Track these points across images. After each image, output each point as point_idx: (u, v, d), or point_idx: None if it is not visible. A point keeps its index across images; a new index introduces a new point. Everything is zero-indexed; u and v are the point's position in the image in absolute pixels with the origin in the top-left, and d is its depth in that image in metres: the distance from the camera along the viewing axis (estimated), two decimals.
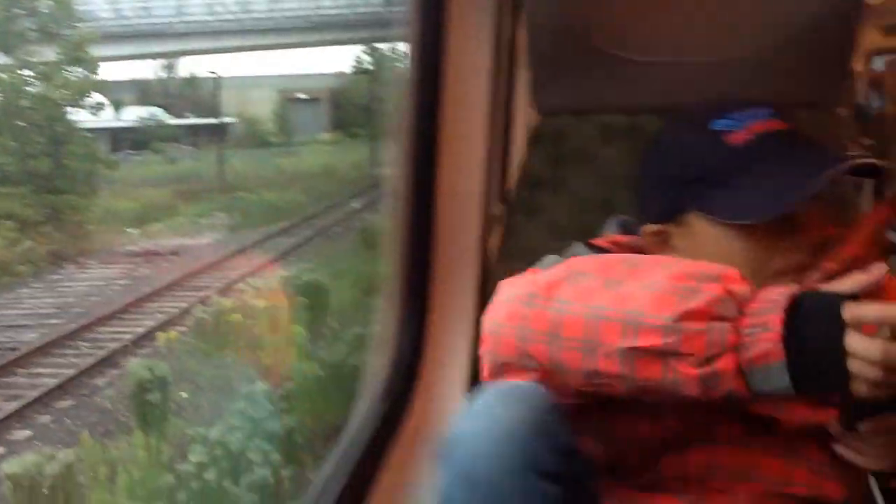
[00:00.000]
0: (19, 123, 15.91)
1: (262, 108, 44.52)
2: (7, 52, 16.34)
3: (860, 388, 0.93)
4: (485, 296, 1.65)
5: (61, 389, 8.08)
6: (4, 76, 15.84)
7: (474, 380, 1.65)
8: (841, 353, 0.92)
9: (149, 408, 6.63)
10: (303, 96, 57.46)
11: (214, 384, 7.80)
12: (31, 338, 10.16)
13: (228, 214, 21.05)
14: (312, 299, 9.92)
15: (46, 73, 16.48)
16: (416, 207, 1.68)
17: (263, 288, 10.74)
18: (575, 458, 1.04)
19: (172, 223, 20.06)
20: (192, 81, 44.20)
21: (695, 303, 0.97)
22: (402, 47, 1.71)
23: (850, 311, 0.93)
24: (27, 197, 15.54)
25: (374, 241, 12.60)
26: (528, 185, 1.76)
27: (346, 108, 57.38)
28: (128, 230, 18.25)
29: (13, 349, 9.52)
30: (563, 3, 1.66)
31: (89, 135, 17.57)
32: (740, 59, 1.67)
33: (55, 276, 14.35)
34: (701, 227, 1.23)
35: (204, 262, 14.62)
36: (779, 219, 1.15)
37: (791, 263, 1.20)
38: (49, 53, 16.73)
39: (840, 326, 0.93)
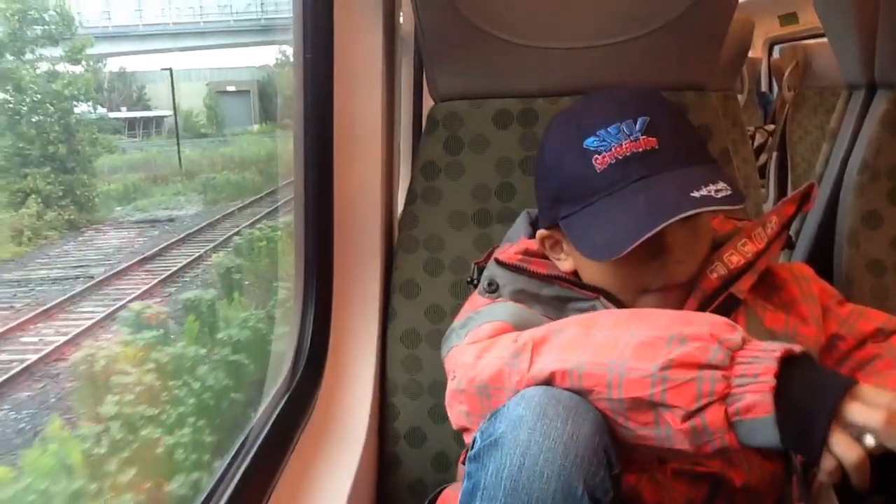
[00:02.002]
0: (38, 116, 19.03)
1: (194, 100, 45.98)
2: (22, 54, 19.40)
3: (829, 468, 0.92)
4: (388, 285, 1.80)
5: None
6: (25, 75, 18.92)
7: (381, 372, 1.74)
8: (825, 433, 0.91)
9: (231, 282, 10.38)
10: (231, 89, 59.77)
11: (258, 280, 11.40)
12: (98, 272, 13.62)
13: (201, 193, 24.47)
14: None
15: (54, 73, 19.60)
16: (316, 199, 1.72)
17: (267, 228, 14.45)
18: (618, 484, 1.02)
19: (155, 200, 23.40)
20: (122, 76, 45.98)
21: (683, 351, 0.98)
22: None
23: (841, 406, 0.91)
24: (48, 176, 18.68)
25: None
26: (426, 172, 1.80)
27: (274, 100, 60.04)
28: (118, 207, 21.61)
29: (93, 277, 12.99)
30: None
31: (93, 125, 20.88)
32: (625, 42, 1.70)
33: (81, 238, 17.73)
34: None
35: (205, 222, 18.20)
36: (640, 244, 1.14)
37: (669, 280, 1.26)
38: (55, 55, 19.86)
39: (831, 406, 0.91)
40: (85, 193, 19.74)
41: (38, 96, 19.27)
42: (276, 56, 55.43)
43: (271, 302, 9.15)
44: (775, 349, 0.98)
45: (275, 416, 1.53)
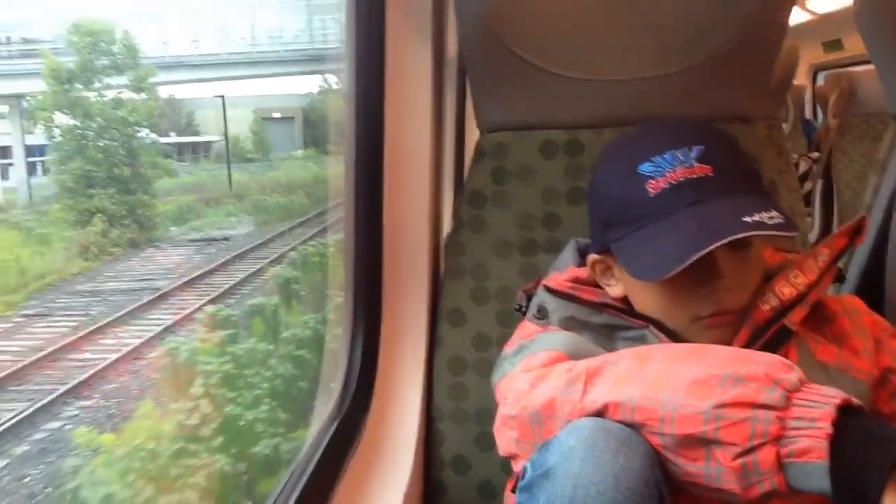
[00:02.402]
0: (104, 141, 20.39)
1: (241, 126, 47.28)
2: (90, 84, 20.81)
3: None
4: (436, 313, 1.78)
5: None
6: (93, 103, 20.31)
7: (427, 397, 1.74)
8: (880, 488, 0.89)
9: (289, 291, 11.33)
10: (277, 115, 61.58)
11: (312, 290, 12.32)
12: (162, 285, 14.71)
13: (252, 214, 25.71)
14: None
15: (119, 100, 20.98)
16: (365, 227, 1.72)
17: (319, 246, 15.44)
18: None
19: (208, 221, 24.69)
20: (171, 103, 47.53)
21: (738, 390, 0.96)
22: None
23: None
24: (113, 196, 19.97)
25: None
26: (472, 202, 1.78)
27: (317, 126, 61.70)
28: (173, 227, 22.91)
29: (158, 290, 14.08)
30: (498, 21, 1.67)
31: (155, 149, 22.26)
32: (672, 74, 1.69)
33: (143, 255, 18.95)
34: None
35: (255, 242, 19.31)
36: (692, 266, 1.14)
37: (719, 307, 1.22)
38: (120, 84, 21.27)
39: (888, 462, 0.90)
40: (146, 213, 21.03)
41: (105, 122, 20.59)
42: (319, 84, 56.95)
43: (326, 308, 10.05)
44: (834, 395, 0.96)
45: (325, 441, 1.55)
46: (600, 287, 1.36)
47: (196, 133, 54.07)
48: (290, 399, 6.92)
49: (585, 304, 1.33)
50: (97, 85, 20.86)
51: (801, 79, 8.03)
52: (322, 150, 56.77)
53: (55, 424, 7.81)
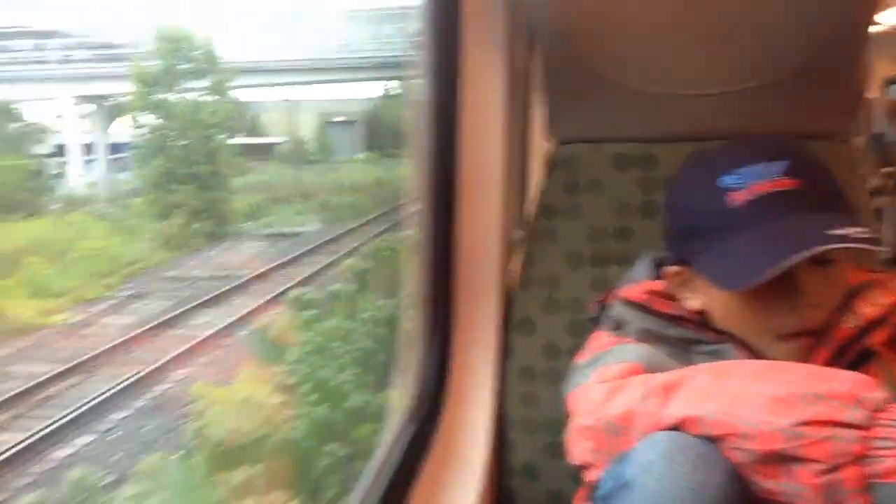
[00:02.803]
0: (185, 140, 21.78)
1: (305, 129, 48.60)
2: (173, 87, 22.23)
3: None
4: (507, 322, 1.78)
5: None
6: (176, 105, 21.73)
7: (498, 405, 1.74)
8: None
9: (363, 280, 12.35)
10: (340, 119, 63.21)
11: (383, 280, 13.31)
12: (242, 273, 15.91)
13: (319, 212, 26.98)
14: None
15: (199, 103, 22.35)
16: (436, 235, 1.72)
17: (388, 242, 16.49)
18: None
19: (278, 218, 26.05)
20: (239, 105, 49.05)
21: (819, 408, 0.95)
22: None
23: None
24: (193, 193, 21.33)
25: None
26: (545, 213, 1.79)
27: (378, 130, 63.18)
28: (245, 223, 24.28)
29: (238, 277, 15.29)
30: (575, 35, 1.67)
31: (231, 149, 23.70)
32: (751, 90, 1.66)
33: (222, 246, 20.30)
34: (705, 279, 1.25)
35: (324, 237, 20.49)
36: (774, 281, 1.12)
37: (800, 325, 1.19)
38: (200, 87, 22.67)
39: None
40: (223, 208, 22.39)
41: (186, 123, 21.97)
42: (380, 89, 58.34)
43: (398, 294, 10.99)
44: None
45: (399, 448, 1.57)
46: (677, 300, 1.32)
47: (261, 135, 56.08)
48: (373, 367, 7.90)
49: (662, 316, 1.31)
50: (179, 88, 22.30)
51: (873, 92, 7.67)
52: (383, 153, 58.36)
53: (164, 386, 8.98)
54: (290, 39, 34.51)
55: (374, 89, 53.60)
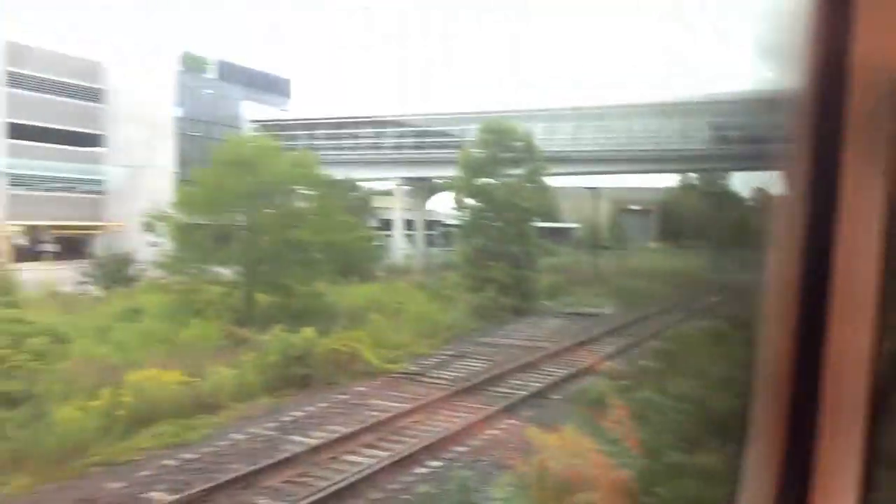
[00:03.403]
0: (501, 222, 23.92)
1: (600, 216, 49.70)
2: (494, 175, 24.58)
3: None
4: (871, 452, 1.59)
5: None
6: (496, 189, 24.04)
7: None
8: None
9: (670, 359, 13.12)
10: (634, 207, 64.05)
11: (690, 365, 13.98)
12: (547, 346, 17.27)
13: (615, 296, 27.98)
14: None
15: (515, 188, 24.46)
16: (803, 354, 1.58)
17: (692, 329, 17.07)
18: None
19: (576, 299, 27.46)
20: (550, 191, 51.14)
21: None
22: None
23: None
24: (504, 270, 23.31)
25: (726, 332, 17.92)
26: None
27: (673, 220, 63.02)
28: (545, 301, 25.89)
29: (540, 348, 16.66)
30: None
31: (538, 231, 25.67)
32: None
33: (526, 321, 22.01)
34: None
35: (622, 321, 21.41)
36: None
37: None
38: (518, 174, 24.84)
39: None
40: (529, 286, 24.18)
41: (503, 206, 24.17)
42: (677, 180, 58.11)
43: (708, 377, 11.62)
44: None
45: None
46: None
47: (559, 219, 58.51)
48: (683, 434, 8.66)
49: None
50: (500, 174, 24.68)
51: None
52: (675, 243, 58.06)
53: (495, 431, 10.47)
54: (595, 132, 36.48)
55: (670, 179, 53.90)
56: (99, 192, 42.70)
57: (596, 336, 18.54)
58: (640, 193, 62.21)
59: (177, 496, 7.77)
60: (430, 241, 41.70)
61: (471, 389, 12.91)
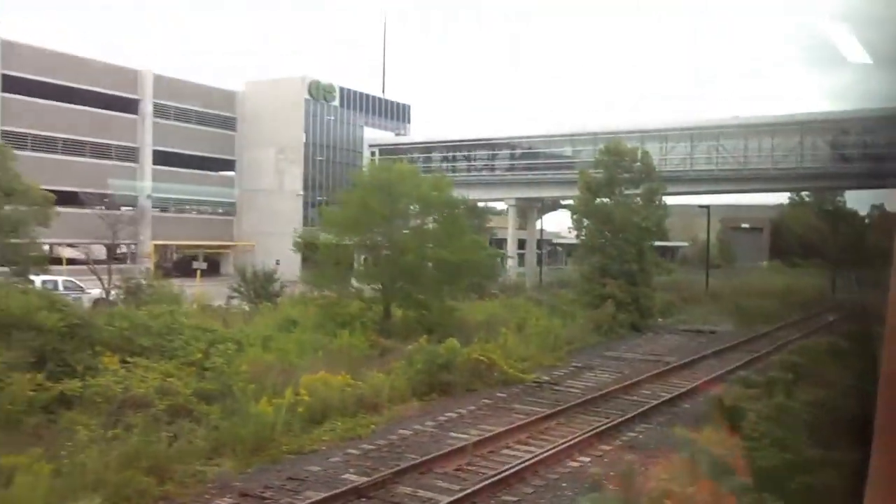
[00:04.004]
0: (618, 241, 24.74)
1: (708, 234, 49.42)
2: (612, 194, 25.44)
3: None
4: None
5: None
6: (616, 209, 24.90)
7: None
8: None
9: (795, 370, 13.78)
10: (745, 225, 63.29)
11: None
12: (665, 359, 18.02)
13: (730, 315, 28.34)
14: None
15: (634, 208, 25.25)
16: None
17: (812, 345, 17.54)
18: None
19: (688, 316, 28.01)
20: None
21: None
22: None
23: None
24: (622, 287, 24.11)
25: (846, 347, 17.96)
26: None
27: (783, 238, 61.95)
28: (659, 318, 26.54)
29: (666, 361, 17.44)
30: None
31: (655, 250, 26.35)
32: None
33: (645, 336, 22.79)
34: None
35: (740, 338, 21.90)
36: None
37: None
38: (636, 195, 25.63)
39: None
40: (645, 303, 24.89)
41: (621, 226, 24.99)
42: (788, 197, 56.71)
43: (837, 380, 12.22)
44: None
45: None
46: None
47: (667, 238, 58.45)
48: (814, 434, 9.49)
49: None
50: (618, 194, 25.55)
51: None
52: (786, 261, 57.05)
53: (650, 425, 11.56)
54: (709, 151, 36.89)
55: (779, 197, 53.19)
56: (230, 213, 45.77)
57: (716, 351, 19.21)
58: (749, 211, 61.65)
59: (370, 478, 9.08)
60: (539, 260, 42.79)
61: (605, 396, 13.90)
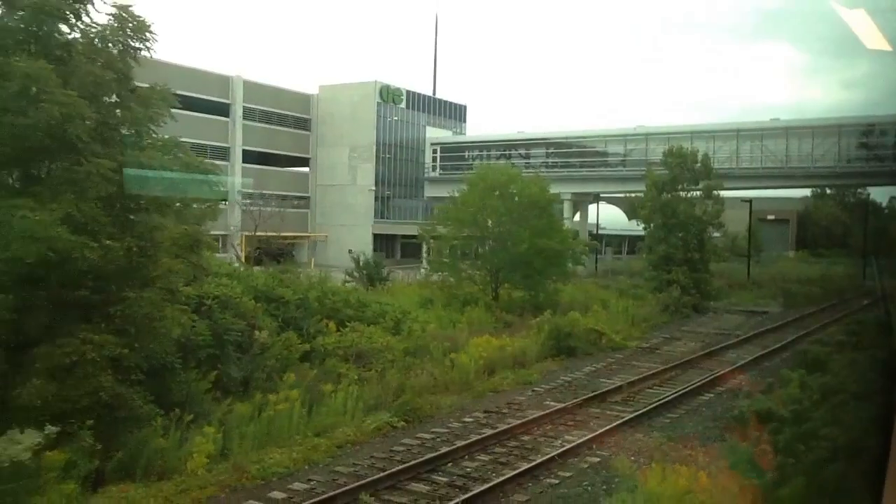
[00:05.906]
0: (681, 232, 28.25)
1: (738, 226, 52.54)
2: (675, 191, 28.93)
3: None
4: None
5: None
6: (679, 204, 28.40)
7: None
8: None
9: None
10: (771, 217, 66.40)
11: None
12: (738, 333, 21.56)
13: (774, 298, 31.89)
14: None
15: (694, 203, 28.75)
16: None
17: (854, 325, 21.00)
18: None
19: (739, 299, 31.61)
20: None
21: None
22: None
23: None
24: (685, 273, 27.66)
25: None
26: None
27: (810, 229, 65.13)
28: (713, 302, 30.10)
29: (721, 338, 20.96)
30: None
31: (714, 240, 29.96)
32: None
33: (708, 316, 26.38)
34: None
35: (791, 316, 25.42)
36: None
37: None
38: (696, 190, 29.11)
39: None
40: (705, 287, 28.47)
41: (685, 219, 28.45)
42: (811, 191, 59.73)
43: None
44: None
45: None
46: None
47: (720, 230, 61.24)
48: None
49: None
50: (681, 190, 29.05)
51: None
52: (812, 251, 60.41)
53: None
54: (753, 150, 40.37)
55: (802, 191, 56.15)
56: (304, 207, 49.70)
57: (773, 327, 22.82)
58: (775, 203, 64.83)
59: (566, 403, 12.70)
60: (595, 250, 46.26)
61: (701, 357, 17.52)
